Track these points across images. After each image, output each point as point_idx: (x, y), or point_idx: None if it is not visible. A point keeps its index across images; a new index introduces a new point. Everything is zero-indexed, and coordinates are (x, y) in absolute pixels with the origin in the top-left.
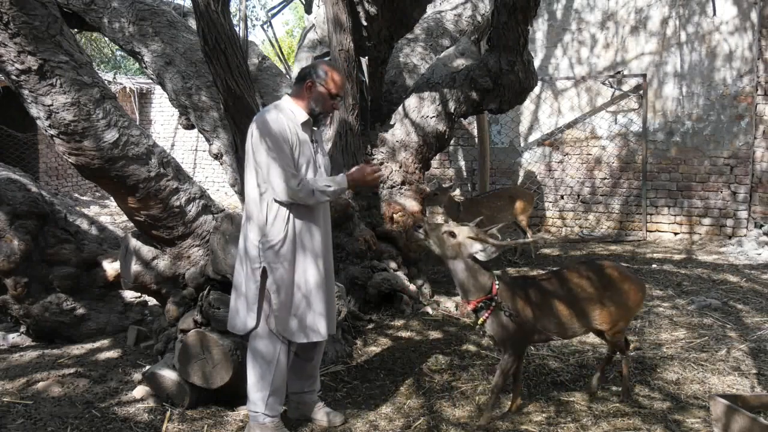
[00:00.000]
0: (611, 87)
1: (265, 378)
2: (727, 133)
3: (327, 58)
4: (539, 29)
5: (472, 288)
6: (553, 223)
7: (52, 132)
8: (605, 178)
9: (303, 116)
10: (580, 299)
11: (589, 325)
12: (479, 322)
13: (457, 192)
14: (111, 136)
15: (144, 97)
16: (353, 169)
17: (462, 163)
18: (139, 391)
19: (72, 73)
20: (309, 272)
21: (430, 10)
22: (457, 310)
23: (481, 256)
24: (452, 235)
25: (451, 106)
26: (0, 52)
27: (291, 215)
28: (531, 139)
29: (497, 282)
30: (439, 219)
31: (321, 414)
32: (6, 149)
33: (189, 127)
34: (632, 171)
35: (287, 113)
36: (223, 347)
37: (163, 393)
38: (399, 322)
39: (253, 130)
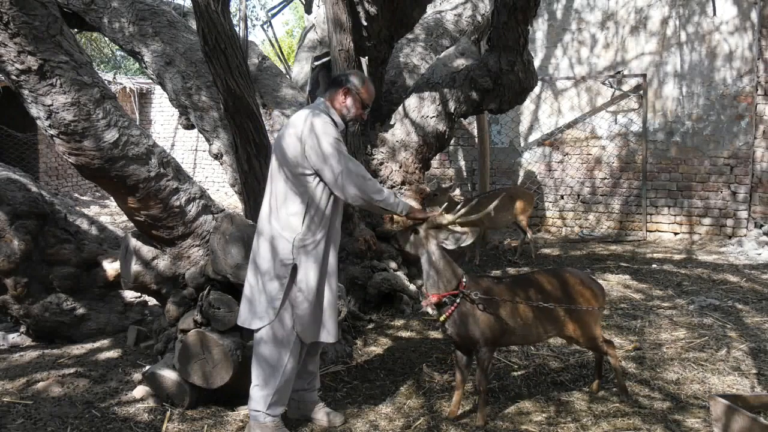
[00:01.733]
0: (611, 87)
1: (269, 380)
2: (727, 133)
3: (327, 59)
4: (539, 29)
5: (443, 278)
6: (553, 223)
7: (52, 132)
8: (605, 178)
9: (341, 122)
10: (543, 302)
11: (552, 331)
12: (441, 318)
13: (457, 192)
14: (111, 136)
15: (144, 97)
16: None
17: (462, 163)
18: (139, 391)
19: (72, 73)
20: (327, 273)
21: (430, 10)
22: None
23: (447, 245)
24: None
25: (451, 106)
26: (0, 52)
27: (327, 218)
28: (531, 139)
29: (464, 278)
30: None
31: (321, 414)
32: (6, 149)
33: (189, 127)
34: (632, 171)
35: (328, 118)
36: (223, 347)
37: (163, 393)
38: (399, 322)
39: (310, 128)
